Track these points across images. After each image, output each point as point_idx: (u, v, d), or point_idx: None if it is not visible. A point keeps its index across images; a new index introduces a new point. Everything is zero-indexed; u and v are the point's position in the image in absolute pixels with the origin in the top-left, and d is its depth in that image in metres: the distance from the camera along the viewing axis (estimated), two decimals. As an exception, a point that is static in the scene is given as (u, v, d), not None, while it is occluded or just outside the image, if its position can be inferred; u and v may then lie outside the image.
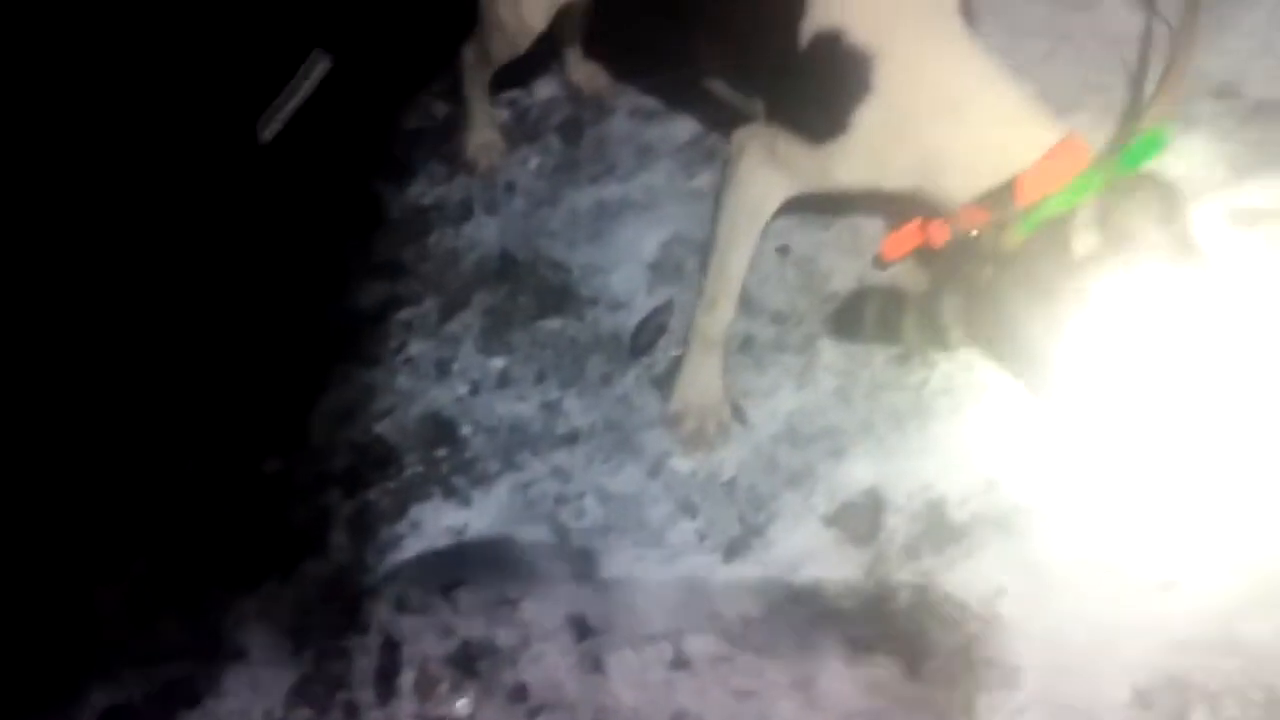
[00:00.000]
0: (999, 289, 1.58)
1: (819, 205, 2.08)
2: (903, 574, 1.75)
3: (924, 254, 1.70)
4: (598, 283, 2.14)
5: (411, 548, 1.87)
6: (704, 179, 2.25)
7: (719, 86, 1.87)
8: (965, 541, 1.75)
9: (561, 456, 1.95)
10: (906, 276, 1.91)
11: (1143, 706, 1.58)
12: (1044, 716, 1.60)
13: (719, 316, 1.88)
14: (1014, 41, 2.05)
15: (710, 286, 1.87)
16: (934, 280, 1.82)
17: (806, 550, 1.80)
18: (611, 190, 2.27)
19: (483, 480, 1.94)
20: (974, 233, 1.58)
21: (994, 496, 1.78)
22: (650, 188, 2.27)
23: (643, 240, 2.18)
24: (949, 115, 1.57)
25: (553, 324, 2.11)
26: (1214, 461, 1.73)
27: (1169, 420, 1.66)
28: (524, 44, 2.10)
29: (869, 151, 1.64)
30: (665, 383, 1.98)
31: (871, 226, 2.06)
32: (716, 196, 1.83)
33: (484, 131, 2.35)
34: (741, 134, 1.79)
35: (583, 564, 1.83)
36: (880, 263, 1.85)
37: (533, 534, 1.87)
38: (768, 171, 1.76)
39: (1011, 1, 2.20)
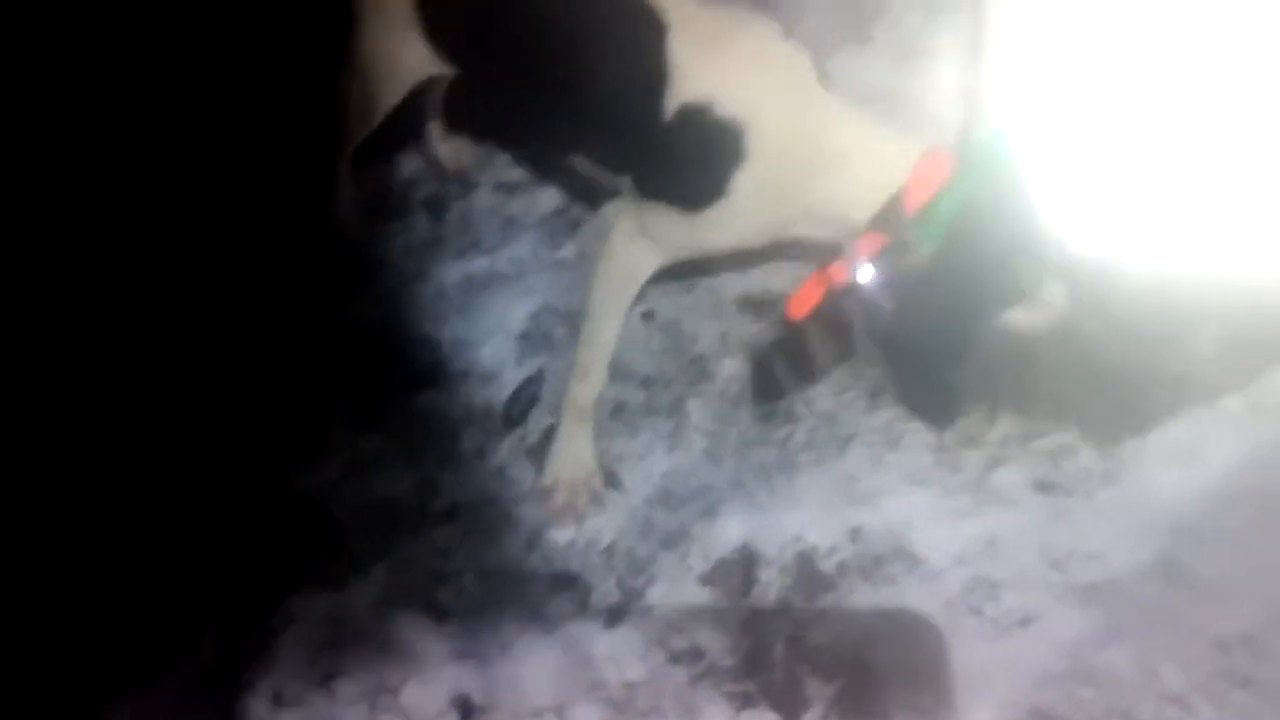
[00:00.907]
0: (932, 292, 1.66)
1: (681, 269, 2.14)
2: (778, 627, 1.79)
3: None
4: (468, 356, 2.16)
5: (286, 639, 1.84)
6: (569, 249, 2.29)
7: (582, 164, 1.92)
8: (835, 591, 1.81)
9: (438, 534, 1.94)
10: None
11: (1009, 739, 1.64)
12: (917, 759, 1.65)
13: (591, 385, 1.92)
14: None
15: (583, 356, 1.91)
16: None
17: (685, 610, 1.83)
18: (478, 264, 2.29)
19: (357, 564, 1.91)
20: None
21: (860, 545, 1.84)
22: (516, 260, 2.30)
23: (511, 312, 2.20)
24: (832, 166, 1.67)
25: (424, 400, 2.11)
26: (1065, 494, 1.83)
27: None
28: (376, 120, 2.12)
29: (747, 213, 1.72)
30: (539, 453, 2.00)
31: (732, 288, 2.13)
32: (594, 267, 1.88)
33: (346, 208, 2.36)
34: (612, 208, 1.85)
35: (464, 642, 1.83)
36: (790, 322, 1.90)
37: (411, 616, 1.86)
38: (638, 244, 1.82)
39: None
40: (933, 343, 1.75)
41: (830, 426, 1.96)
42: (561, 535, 1.93)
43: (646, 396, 2.06)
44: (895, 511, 1.86)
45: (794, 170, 1.68)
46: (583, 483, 1.94)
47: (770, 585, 1.83)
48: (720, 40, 1.70)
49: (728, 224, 1.73)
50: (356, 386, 2.14)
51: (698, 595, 1.84)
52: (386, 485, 2.01)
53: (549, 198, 2.38)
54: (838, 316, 1.78)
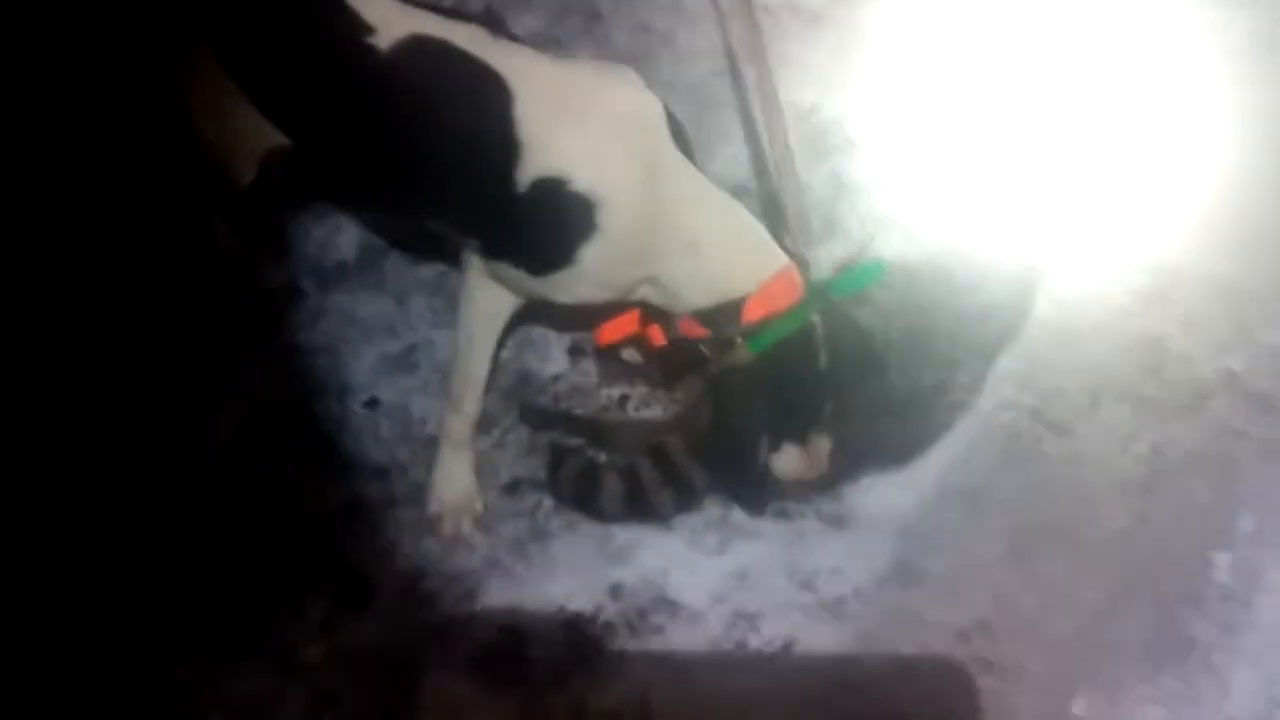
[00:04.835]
0: (734, 397, 1.72)
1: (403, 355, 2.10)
2: (558, 702, 1.77)
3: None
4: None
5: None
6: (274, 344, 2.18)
7: (438, 226, 1.84)
8: (607, 652, 1.82)
9: (175, 676, 1.78)
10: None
11: (792, 761, 1.71)
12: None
13: (465, 416, 1.89)
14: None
15: (456, 389, 1.88)
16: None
17: (457, 709, 1.77)
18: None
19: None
20: (703, 349, 1.72)
21: (623, 602, 1.86)
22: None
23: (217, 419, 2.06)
24: (681, 251, 1.68)
25: (138, 534, 1.92)
26: (800, 518, 1.93)
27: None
28: (238, 186, 1.98)
29: (592, 279, 1.70)
30: (276, 568, 1.88)
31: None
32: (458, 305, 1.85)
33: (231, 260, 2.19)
34: (469, 251, 1.79)
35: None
36: (597, 347, 1.96)
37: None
38: (492, 288, 1.79)
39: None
40: (732, 436, 1.77)
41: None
42: (312, 653, 1.82)
43: (383, 489, 1.98)
44: (650, 562, 1.89)
45: (643, 248, 1.68)
46: (467, 508, 1.92)
47: (542, 662, 1.80)
48: (573, 106, 1.65)
49: (573, 287, 1.72)
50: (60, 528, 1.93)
51: (469, 688, 1.79)
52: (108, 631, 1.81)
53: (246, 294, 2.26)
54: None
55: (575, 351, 2.09)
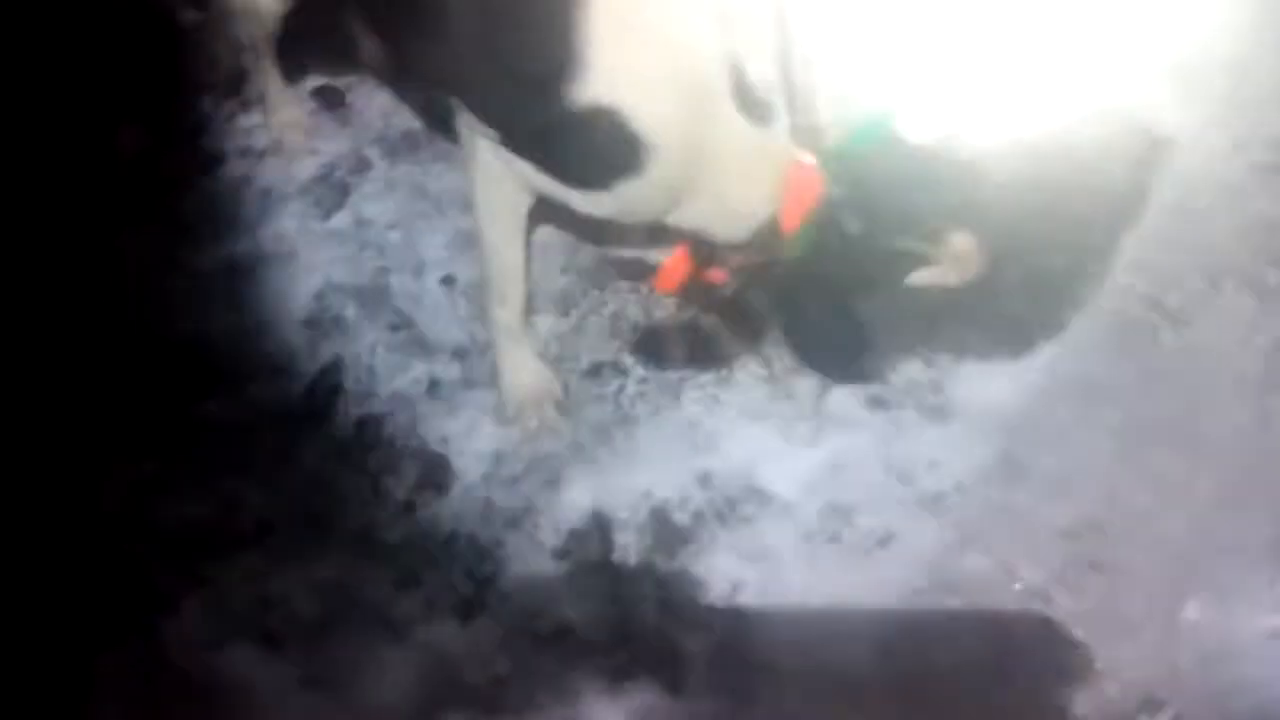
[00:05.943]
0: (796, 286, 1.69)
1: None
2: (643, 590, 1.71)
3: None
4: (248, 351, 1.92)
5: (97, 704, 1.59)
6: (342, 218, 2.09)
7: (454, 104, 1.68)
8: (694, 542, 1.74)
9: (252, 556, 1.73)
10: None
11: (887, 658, 1.64)
12: (803, 698, 1.61)
13: (513, 306, 1.81)
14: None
15: (495, 282, 1.80)
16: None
17: (544, 590, 1.71)
18: (239, 245, 2.05)
19: (165, 602, 1.68)
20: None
21: (711, 491, 1.78)
22: (281, 236, 2.07)
23: (289, 296, 1.98)
24: (713, 188, 1.60)
25: (207, 408, 1.87)
26: (898, 408, 1.84)
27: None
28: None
29: (620, 207, 1.61)
30: (355, 448, 1.82)
31: (538, 240, 1.99)
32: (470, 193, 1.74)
33: (285, 110, 2.17)
34: (467, 130, 1.65)
35: (307, 668, 1.64)
36: (657, 295, 1.91)
37: (240, 650, 1.65)
38: (505, 185, 1.68)
39: None
40: (820, 319, 1.72)
41: (661, 374, 1.89)
42: (392, 534, 1.77)
43: (462, 369, 1.91)
44: (739, 451, 1.81)
45: (676, 191, 1.59)
46: (546, 396, 1.85)
47: (628, 548, 1.74)
48: (643, 29, 1.48)
49: (597, 206, 1.62)
50: (118, 404, 1.87)
51: (555, 571, 1.73)
52: (179, 508, 1.77)
53: (307, 163, 2.16)
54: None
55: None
